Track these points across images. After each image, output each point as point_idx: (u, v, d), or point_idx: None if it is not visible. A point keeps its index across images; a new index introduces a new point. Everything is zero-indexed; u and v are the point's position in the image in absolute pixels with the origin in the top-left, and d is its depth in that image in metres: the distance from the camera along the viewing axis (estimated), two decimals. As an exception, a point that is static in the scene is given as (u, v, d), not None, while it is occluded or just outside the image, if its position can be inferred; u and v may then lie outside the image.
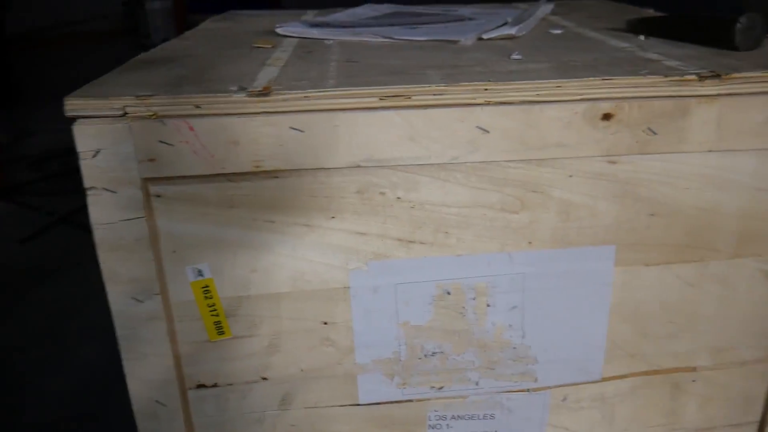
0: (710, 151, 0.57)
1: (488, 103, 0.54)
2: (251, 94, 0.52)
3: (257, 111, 0.52)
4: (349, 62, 0.64)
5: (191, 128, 0.51)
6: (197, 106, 0.51)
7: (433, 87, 0.53)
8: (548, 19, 0.95)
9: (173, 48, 0.75)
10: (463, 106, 0.53)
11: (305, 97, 0.52)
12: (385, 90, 0.53)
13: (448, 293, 0.61)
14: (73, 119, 0.51)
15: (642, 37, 0.75)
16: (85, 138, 0.50)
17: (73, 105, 0.51)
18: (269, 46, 0.74)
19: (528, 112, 0.53)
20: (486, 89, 0.53)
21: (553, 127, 0.54)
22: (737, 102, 0.55)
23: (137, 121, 0.50)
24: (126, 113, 0.51)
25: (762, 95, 0.56)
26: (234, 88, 0.53)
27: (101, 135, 0.50)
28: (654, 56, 0.64)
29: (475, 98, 0.53)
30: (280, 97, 0.52)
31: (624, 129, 0.55)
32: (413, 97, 0.53)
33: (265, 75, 0.58)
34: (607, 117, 0.54)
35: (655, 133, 0.55)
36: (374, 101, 0.53)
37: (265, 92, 0.52)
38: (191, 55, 0.69)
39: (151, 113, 0.50)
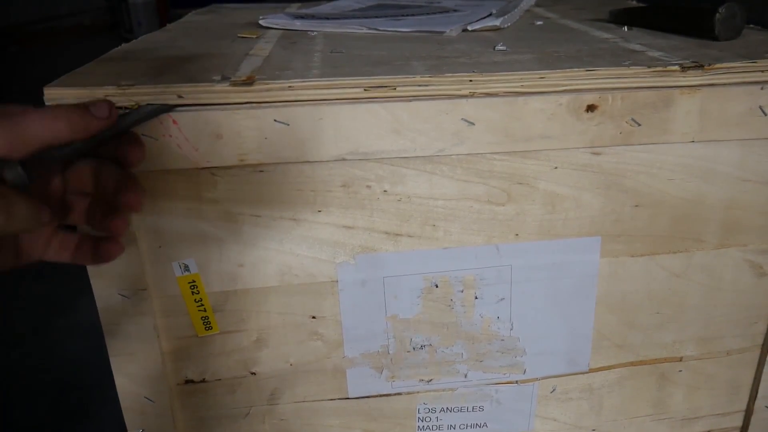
0: (693, 141, 0.57)
1: (473, 95, 0.54)
2: (234, 84, 0.51)
3: (240, 101, 0.51)
4: (334, 53, 0.64)
5: (174, 122, 0.50)
6: (180, 96, 0.50)
7: (418, 78, 0.53)
8: (532, 10, 0.95)
9: (155, 39, 0.74)
10: (448, 99, 0.53)
11: (289, 87, 0.52)
12: (370, 81, 0.53)
13: (436, 286, 0.61)
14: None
15: (625, 28, 0.76)
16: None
17: (52, 94, 0.50)
18: (254, 36, 0.74)
19: (512, 104, 0.53)
20: (471, 80, 0.53)
21: (538, 119, 0.54)
22: (720, 92, 0.56)
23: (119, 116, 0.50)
24: None
25: (744, 85, 0.56)
26: (217, 78, 0.53)
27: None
28: (637, 47, 0.64)
29: (459, 89, 0.53)
30: (264, 87, 0.51)
31: (608, 120, 0.55)
32: (398, 88, 0.53)
33: (249, 65, 0.58)
34: (591, 108, 0.54)
35: (638, 124, 0.56)
36: (359, 92, 0.53)
37: (248, 82, 0.51)
38: (173, 46, 0.69)
39: (132, 103, 0.50)
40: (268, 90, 0.52)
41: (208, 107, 0.51)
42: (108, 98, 0.49)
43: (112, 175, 0.48)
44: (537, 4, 1.00)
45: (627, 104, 0.55)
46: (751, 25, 0.73)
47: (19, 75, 4.10)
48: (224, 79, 0.52)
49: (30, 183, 0.41)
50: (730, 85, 0.56)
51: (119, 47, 0.68)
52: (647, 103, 0.55)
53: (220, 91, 0.51)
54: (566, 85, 0.54)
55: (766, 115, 0.57)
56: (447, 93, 0.53)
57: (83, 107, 0.44)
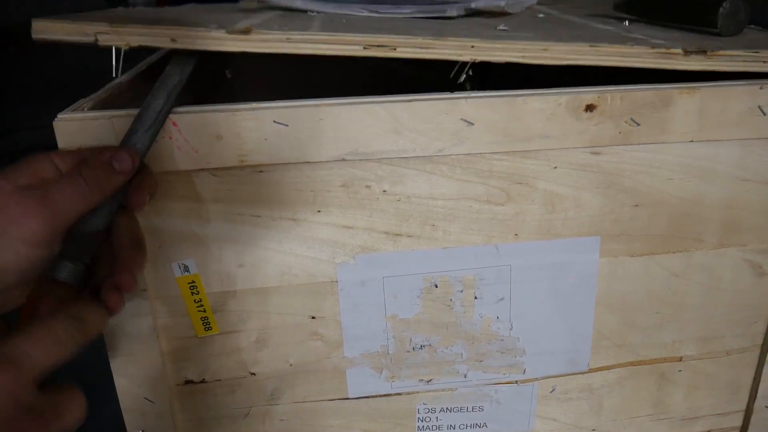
0: (692, 141, 0.57)
1: (475, 59, 0.53)
2: (231, 32, 0.50)
3: (236, 50, 0.50)
4: (334, 22, 0.63)
5: (174, 123, 0.50)
6: (173, 40, 0.49)
7: (420, 40, 0.52)
8: (533, 8, 0.95)
9: (153, 9, 0.75)
10: (447, 99, 0.53)
11: (287, 39, 0.51)
12: (370, 38, 0.52)
13: (436, 286, 0.61)
14: (54, 115, 0.50)
15: (626, 23, 0.76)
16: (66, 134, 0.50)
17: (40, 27, 0.49)
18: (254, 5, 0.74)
19: (511, 103, 0.53)
20: (473, 46, 0.53)
21: (537, 119, 0.54)
22: (719, 92, 0.56)
23: (120, 118, 0.50)
24: (97, 40, 0.49)
25: (744, 85, 0.56)
26: (213, 26, 0.52)
27: (83, 131, 0.50)
28: (639, 36, 0.64)
29: (461, 54, 0.53)
30: (261, 36, 0.50)
31: (607, 120, 0.55)
32: (398, 49, 0.52)
33: (247, 22, 0.58)
34: (590, 108, 0.54)
35: (637, 124, 0.56)
36: (358, 49, 0.52)
37: (245, 31, 0.51)
38: (170, 12, 0.69)
39: (124, 43, 0.49)
40: (265, 40, 0.51)
41: (209, 110, 0.51)
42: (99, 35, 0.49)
43: (126, 231, 0.47)
44: (538, 3, 1.00)
45: (626, 104, 0.55)
46: (752, 26, 0.73)
47: (19, 75, 4.10)
48: (221, 27, 0.51)
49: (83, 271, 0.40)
50: (729, 86, 0.56)
51: (116, 8, 0.68)
52: (646, 103, 0.55)
53: (216, 37, 0.50)
54: (570, 59, 0.54)
55: (765, 114, 0.57)
56: (448, 57, 0.53)
57: (107, 165, 0.43)
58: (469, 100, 0.53)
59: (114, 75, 0.51)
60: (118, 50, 0.50)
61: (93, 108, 0.52)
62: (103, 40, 0.49)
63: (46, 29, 0.49)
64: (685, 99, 0.55)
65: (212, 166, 0.53)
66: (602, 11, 0.87)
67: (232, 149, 0.52)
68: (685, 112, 0.56)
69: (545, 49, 0.54)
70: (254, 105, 0.51)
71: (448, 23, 0.70)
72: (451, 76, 0.54)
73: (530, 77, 0.60)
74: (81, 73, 0.56)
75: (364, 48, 0.52)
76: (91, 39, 0.49)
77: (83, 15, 0.57)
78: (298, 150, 0.53)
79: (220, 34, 0.50)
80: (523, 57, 0.53)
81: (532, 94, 0.54)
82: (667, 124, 0.56)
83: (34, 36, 0.49)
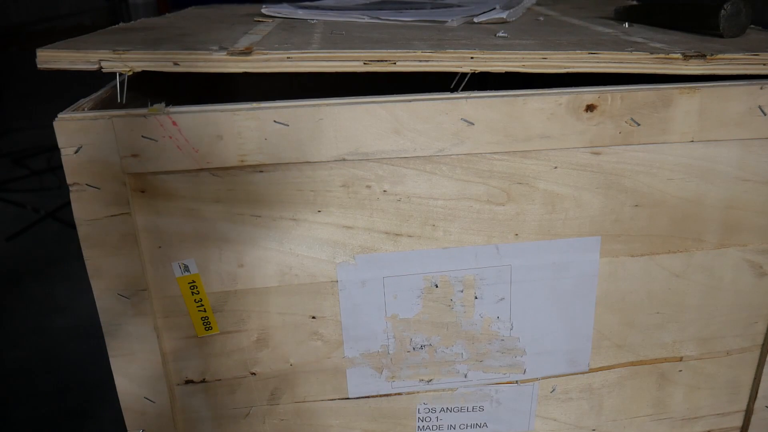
0: (693, 141, 0.57)
1: (474, 70, 0.53)
2: (232, 54, 0.51)
3: (238, 71, 0.51)
4: (334, 34, 0.64)
5: (174, 123, 0.50)
6: (176, 63, 0.50)
7: (419, 53, 0.53)
8: (533, 9, 0.95)
9: (153, 21, 0.75)
10: (447, 99, 0.53)
11: (288, 58, 0.51)
12: (370, 54, 0.52)
13: (436, 286, 0.61)
14: (55, 115, 0.50)
15: (626, 25, 0.76)
16: (67, 134, 0.50)
17: (45, 56, 0.50)
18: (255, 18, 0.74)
19: (512, 104, 0.53)
20: (472, 57, 0.53)
21: (537, 119, 0.54)
22: (719, 92, 0.56)
23: (120, 117, 0.50)
24: (101, 67, 0.50)
25: (744, 85, 0.56)
26: (215, 48, 0.52)
27: (83, 130, 0.50)
28: (639, 39, 0.64)
29: (461, 66, 0.53)
30: (262, 56, 0.51)
31: (607, 120, 0.55)
32: (398, 63, 0.53)
33: (247, 40, 0.58)
34: (590, 108, 0.54)
35: (638, 124, 0.56)
36: (358, 65, 0.52)
37: (246, 52, 0.51)
38: (172, 26, 0.69)
39: (128, 69, 0.50)
40: (266, 60, 0.51)
41: (209, 110, 0.51)
42: (102, 62, 0.49)
43: None
44: (537, 3, 1.00)
45: (626, 104, 0.55)
46: (752, 26, 0.73)
47: (19, 75, 4.10)
48: (222, 49, 0.52)
49: None
50: (729, 86, 0.56)
51: (117, 25, 0.68)
52: (647, 103, 0.55)
53: (218, 59, 0.51)
54: (568, 67, 0.54)
55: (765, 114, 0.57)
56: (447, 69, 0.53)
57: None
58: (469, 100, 0.53)
59: (119, 100, 0.51)
60: (122, 74, 0.50)
61: (93, 108, 0.52)
62: (107, 67, 0.50)
63: (51, 59, 0.50)
64: (685, 99, 0.55)
65: (212, 166, 0.53)
66: (602, 11, 0.87)
67: (232, 149, 0.52)
68: (685, 112, 0.56)
69: (544, 58, 0.54)
70: (254, 105, 0.51)
71: (449, 30, 0.70)
72: (452, 86, 0.54)
73: (530, 77, 0.60)
74: (81, 73, 0.56)
75: (364, 63, 0.52)
76: (95, 66, 0.50)
77: (85, 39, 0.57)
78: (299, 150, 0.53)
79: (222, 56, 0.51)
80: (523, 66, 0.54)
81: (533, 94, 0.54)
82: (668, 124, 0.56)
83: (39, 66, 0.50)
